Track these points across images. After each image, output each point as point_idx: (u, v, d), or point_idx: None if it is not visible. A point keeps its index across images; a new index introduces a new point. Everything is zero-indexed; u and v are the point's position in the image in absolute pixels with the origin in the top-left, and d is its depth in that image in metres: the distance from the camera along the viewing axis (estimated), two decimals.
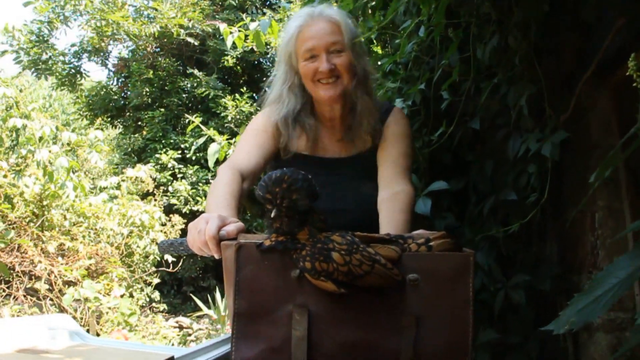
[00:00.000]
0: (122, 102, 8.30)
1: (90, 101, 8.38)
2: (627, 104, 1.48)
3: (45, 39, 7.32)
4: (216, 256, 0.85)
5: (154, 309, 4.78)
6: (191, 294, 5.60)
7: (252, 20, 2.48)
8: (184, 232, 5.35)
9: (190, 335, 4.81)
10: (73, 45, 8.00)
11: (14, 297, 3.34)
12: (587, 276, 1.51)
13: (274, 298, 0.73)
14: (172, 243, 0.98)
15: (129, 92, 8.23)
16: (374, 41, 2.06)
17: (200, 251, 0.87)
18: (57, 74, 7.66)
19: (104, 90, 8.24)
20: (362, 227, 1.29)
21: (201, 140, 3.19)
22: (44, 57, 7.28)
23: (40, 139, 3.26)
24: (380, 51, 2.15)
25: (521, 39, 1.29)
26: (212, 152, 2.99)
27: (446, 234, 0.75)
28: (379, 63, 2.00)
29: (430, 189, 1.55)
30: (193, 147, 3.39)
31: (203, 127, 3.22)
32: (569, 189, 1.52)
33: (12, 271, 3.25)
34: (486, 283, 1.55)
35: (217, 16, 7.58)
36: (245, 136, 1.31)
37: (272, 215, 0.70)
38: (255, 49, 2.21)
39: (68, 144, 3.49)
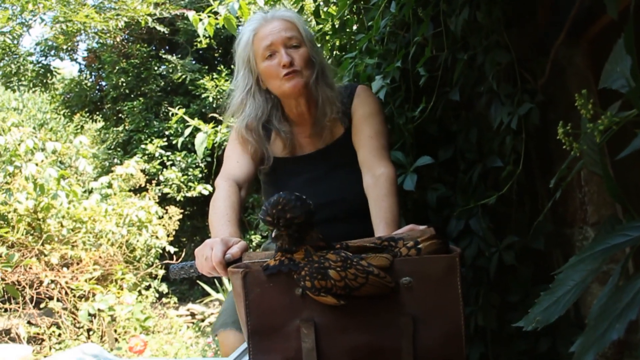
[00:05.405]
0: (99, 95, 8.12)
1: (65, 99, 8.21)
2: (602, 59, 1.49)
3: (12, 50, 7.05)
4: (225, 278, 0.92)
5: (165, 304, 4.86)
6: (197, 280, 5.68)
7: (220, 3, 2.42)
8: (182, 224, 5.38)
9: (203, 321, 4.93)
10: (38, 44, 7.73)
11: (29, 315, 3.38)
12: (578, 230, 1.56)
13: (282, 315, 0.79)
14: (183, 267, 1.04)
15: (104, 85, 8.04)
16: (349, 17, 2.03)
17: (209, 274, 0.95)
18: (27, 76, 7.45)
19: (79, 85, 8.05)
20: (355, 215, 1.33)
21: (187, 131, 3.18)
22: (14, 69, 7.05)
23: (25, 153, 3.23)
24: (353, 22, 2.11)
25: (489, 13, 1.28)
26: (200, 142, 2.98)
27: (434, 235, 0.79)
28: (356, 39, 1.98)
29: (416, 165, 1.57)
30: (180, 139, 3.39)
31: (188, 119, 3.19)
32: (555, 147, 1.55)
33: (21, 291, 3.27)
34: (482, 248, 1.59)
35: None
36: (229, 147, 1.34)
37: (274, 234, 0.77)
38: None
39: (53, 153, 3.46)
